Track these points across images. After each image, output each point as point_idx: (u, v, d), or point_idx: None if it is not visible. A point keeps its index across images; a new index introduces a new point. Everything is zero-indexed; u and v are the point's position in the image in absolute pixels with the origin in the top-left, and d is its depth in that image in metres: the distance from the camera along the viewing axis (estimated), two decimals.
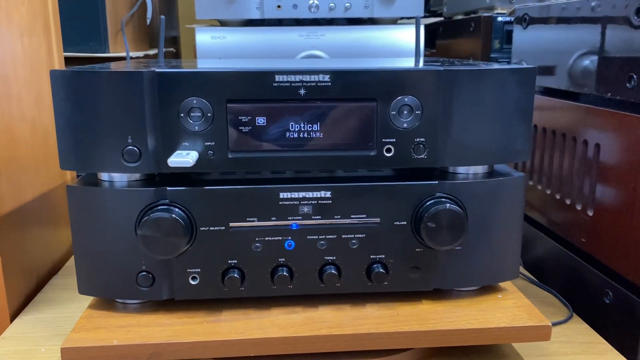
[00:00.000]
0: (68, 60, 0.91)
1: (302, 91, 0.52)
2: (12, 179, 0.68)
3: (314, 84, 0.51)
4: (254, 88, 0.51)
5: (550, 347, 0.60)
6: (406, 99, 0.52)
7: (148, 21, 1.34)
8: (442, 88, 0.52)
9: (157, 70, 0.50)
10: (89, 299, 0.58)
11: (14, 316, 0.66)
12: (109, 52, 1.11)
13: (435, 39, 1.46)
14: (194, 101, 0.51)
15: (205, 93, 0.51)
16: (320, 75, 0.51)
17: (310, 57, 1.08)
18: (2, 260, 0.64)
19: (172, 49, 1.54)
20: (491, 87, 0.53)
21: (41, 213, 0.76)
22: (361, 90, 0.52)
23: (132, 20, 1.25)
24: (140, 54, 1.22)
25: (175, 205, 0.53)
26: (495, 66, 0.54)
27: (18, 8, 0.71)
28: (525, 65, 0.55)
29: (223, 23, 1.12)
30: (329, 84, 0.52)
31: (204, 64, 0.67)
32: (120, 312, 0.56)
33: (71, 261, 0.83)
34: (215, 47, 1.07)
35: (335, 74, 0.51)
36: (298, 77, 0.51)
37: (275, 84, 0.51)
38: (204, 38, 1.07)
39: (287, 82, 0.51)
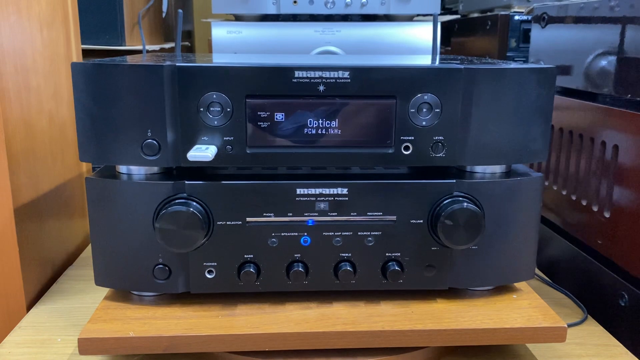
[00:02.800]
0: (85, 53, 0.92)
1: (321, 87, 0.52)
2: (30, 170, 0.69)
3: (334, 80, 0.51)
4: (273, 84, 0.51)
5: (564, 349, 0.59)
6: (426, 97, 0.52)
7: (163, 14, 1.34)
8: (462, 86, 0.52)
9: (177, 64, 0.50)
10: (104, 290, 0.59)
11: (30, 306, 0.67)
12: (125, 45, 1.12)
13: (451, 36, 1.45)
14: (214, 96, 0.51)
15: (225, 88, 0.51)
16: (340, 72, 0.51)
17: (326, 53, 1.08)
18: (20, 251, 0.64)
19: (186, 43, 1.54)
20: (511, 86, 0.53)
21: (57, 204, 0.77)
22: (381, 87, 0.52)
23: (147, 14, 1.25)
24: (156, 47, 1.23)
25: (193, 199, 0.53)
26: (516, 65, 0.54)
27: (38, 0, 0.71)
28: (545, 65, 0.54)
29: (238, 18, 1.13)
30: (349, 80, 0.51)
31: (221, 59, 0.68)
32: (136, 304, 0.56)
33: (86, 252, 0.84)
34: (231, 42, 1.07)
35: (355, 71, 0.51)
36: (317, 73, 0.51)
37: (295, 80, 0.51)
38: (220, 32, 1.07)
39: (307, 78, 0.51)
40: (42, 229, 0.72)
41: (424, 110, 0.52)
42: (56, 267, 0.76)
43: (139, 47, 1.14)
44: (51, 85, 0.75)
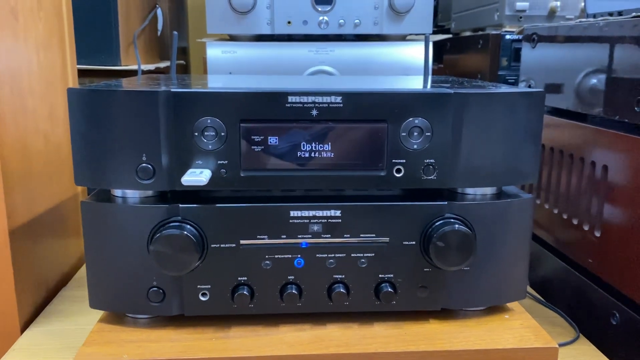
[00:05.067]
0: (80, 73, 0.92)
1: (314, 112, 0.52)
2: (25, 191, 0.69)
3: (326, 105, 0.52)
4: (267, 108, 0.52)
5: None
6: (416, 121, 0.53)
7: (159, 33, 1.36)
8: (452, 110, 0.53)
9: (172, 89, 0.51)
10: (98, 312, 0.59)
11: (24, 328, 0.67)
12: (120, 65, 1.12)
13: (443, 54, 1.47)
14: (208, 121, 0.51)
15: (220, 113, 0.52)
16: (333, 97, 0.52)
17: (319, 73, 1.09)
18: (14, 272, 0.65)
19: (182, 62, 1.55)
20: (500, 110, 0.54)
21: (52, 225, 0.77)
22: (372, 111, 0.53)
23: (143, 33, 1.26)
24: (152, 66, 1.24)
25: (187, 222, 0.53)
26: (505, 90, 0.55)
27: (35, 23, 0.72)
28: (534, 89, 0.55)
29: (233, 38, 1.14)
30: (341, 105, 0.52)
31: (216, 81, 0.68)
32: (130, 327, 0.56)
33: (80, 273, 0.84)
34: (226, 62, 1.08)
35: (347, 96, 0.52)
36: (310, 98, 0.52)
37: (288, 105, 0.52)
38: (215, 52, 1.08)
39: (300, 102, 0.52)
40: (37, 250, 0.72)
41: (415, 134, 0.53)
42: (50, 288, 0.76)
43: (135, 67, 1.14)
44: (47, 107, 0.76)
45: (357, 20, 1.09)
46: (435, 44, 1.49)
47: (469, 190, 0.57)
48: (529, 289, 0.79)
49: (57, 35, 0.80)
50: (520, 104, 0.54)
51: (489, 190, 0.57)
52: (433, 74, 1.43)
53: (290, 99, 0.52)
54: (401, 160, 0.54)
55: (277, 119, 0.52)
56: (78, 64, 0.89)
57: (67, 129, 0.82)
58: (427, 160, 0.54)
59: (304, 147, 0.53)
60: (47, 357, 0.60)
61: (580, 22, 0.74)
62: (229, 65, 1.08)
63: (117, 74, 1.12)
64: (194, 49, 1.79)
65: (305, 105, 0.52)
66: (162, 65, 1.33)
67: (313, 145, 0.53)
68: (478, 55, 1.20)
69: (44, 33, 0.75)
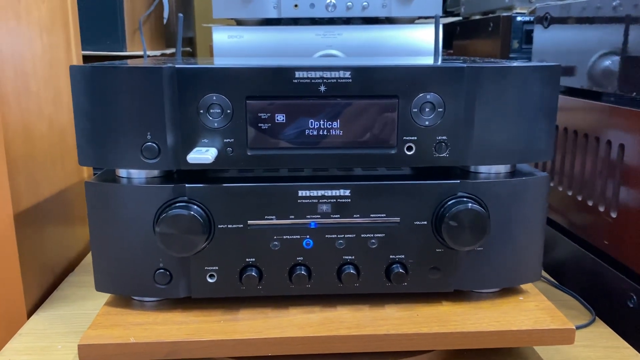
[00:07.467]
0: (85, 59, 0.91)
1: (322, 88, 0.51)
2: (29, 176, 0.68)
3: (335, 80, 0.51)
4: (273, 84, 0.51)
5: (572, 351, 0.58)
6: (428, 97, 0.51)
7: (165, 20, 1.34)
8: (465, 85, 0.51)
9: (177, 66, 0.50)
10: (105, 297, 0.58)
11: (30, 313, 0.66)
12: (126, 51, 1.11)
13: (452, 39, 1.45)
14: (214, 97, 0.50)
15: (225, 89, 0.50)
16: (341, 72, 0.51)
17: (327, 57, 1.07)
18: (20, 257, 0.64)
19: (188, 49, 1.54)
20: (515, 84, 0.52)
21: (58, 210, 0.76)
22: (383, 87, 0.51)
23: (149, 20, 1.25)
24: (157, 53, 1.23)
25: (194, 202, 0.52)
26: (519, 64, 0.53)
27: (38, 5, 0.71)
28: (549, 63, 0.54)
29: (240, 22, 1.12)
30: (350, 80, 0.51)
31: (222, 62, 0.67)
32: (137, 310, 0.55)
33: (87, 259, 0.84)
34: (232, 46, 1.07)
35: (357, 71, 0.51)
36: (318, 74, 0.50)
37: (295, 80, 0.51)
38: (221, 37, 1.07)
39: (307, 78, 0.51)
40: (43, 235, 0.71)
41: (427, 109, 0.52)
42: (57, 274, 0.75)
43: (140, 53, 1.13)
44: (51, 90, 0.75)
45: (365, 3, 1.07)
46: (444, 29, 1.47)
47: (482, 169, 0.55)
48: (543, 273, 0.78)
49: (61, 18, 0.79)
50: (535, 78, 0.52)
51: (502, 169, 0.56)
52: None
53: (298, 74, 0.50)
54: (412, 138, 0.52)
55: (284, 95, 0.51)
56: (83, 50, 0.88)
57: (72, 114, 0.80)
58: (439, 137, 0.52)
59: (311, 125, 0.52)
60: (53, 342, 0.60)
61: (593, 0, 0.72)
62: (236, 50, 1.06)
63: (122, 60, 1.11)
64: (200, 37, 1.78)
65: (313, 80, 0.51)
66: (168, 52, 1.32)
67: (321, 122, 0.52)
68: (488, 39, 1.18)
69: (46, 15, 0.74)
